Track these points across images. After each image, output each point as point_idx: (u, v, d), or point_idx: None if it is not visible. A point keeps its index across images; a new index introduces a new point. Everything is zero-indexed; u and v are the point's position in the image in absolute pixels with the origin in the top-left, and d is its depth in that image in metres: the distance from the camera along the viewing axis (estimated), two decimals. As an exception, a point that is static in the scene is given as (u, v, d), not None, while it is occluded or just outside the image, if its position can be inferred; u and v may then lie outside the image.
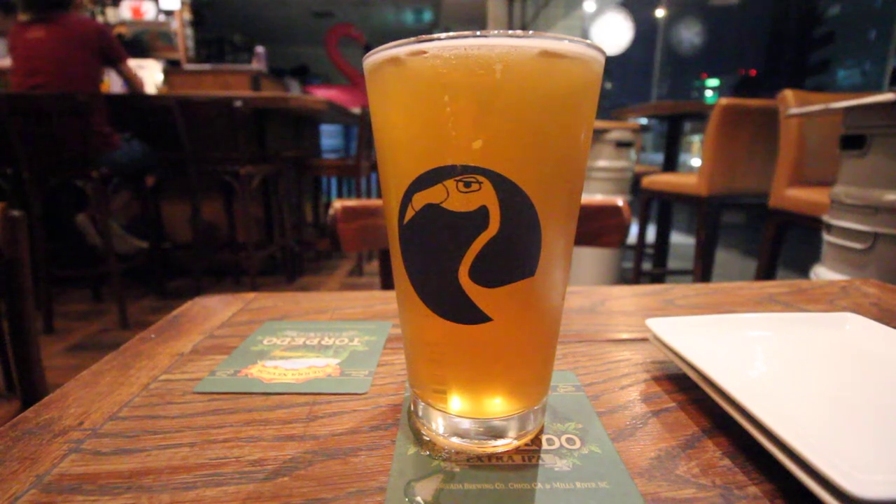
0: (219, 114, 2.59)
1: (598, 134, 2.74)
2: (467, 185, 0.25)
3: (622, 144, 2.76)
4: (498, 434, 0.30)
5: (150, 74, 3.55)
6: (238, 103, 2.55)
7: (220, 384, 0.38)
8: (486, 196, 0.25)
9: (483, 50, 0.23)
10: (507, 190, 0.25)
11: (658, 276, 3.07)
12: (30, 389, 0.79)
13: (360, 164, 3.42)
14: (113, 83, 3.22)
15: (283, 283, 3.33)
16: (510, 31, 0.23)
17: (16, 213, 0.70)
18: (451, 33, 0.24)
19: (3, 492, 0.26)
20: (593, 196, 2.72)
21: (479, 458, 0.29)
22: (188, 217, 3.01)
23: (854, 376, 0.36)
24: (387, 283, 0.90)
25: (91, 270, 2.83)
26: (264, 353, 0.44)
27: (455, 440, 0.30)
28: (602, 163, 2.79)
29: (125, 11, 5.14)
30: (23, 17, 2.45)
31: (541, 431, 0.32)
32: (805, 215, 1.67)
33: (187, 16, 5.43)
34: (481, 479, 0.27)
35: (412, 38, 0.24)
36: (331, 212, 0.82)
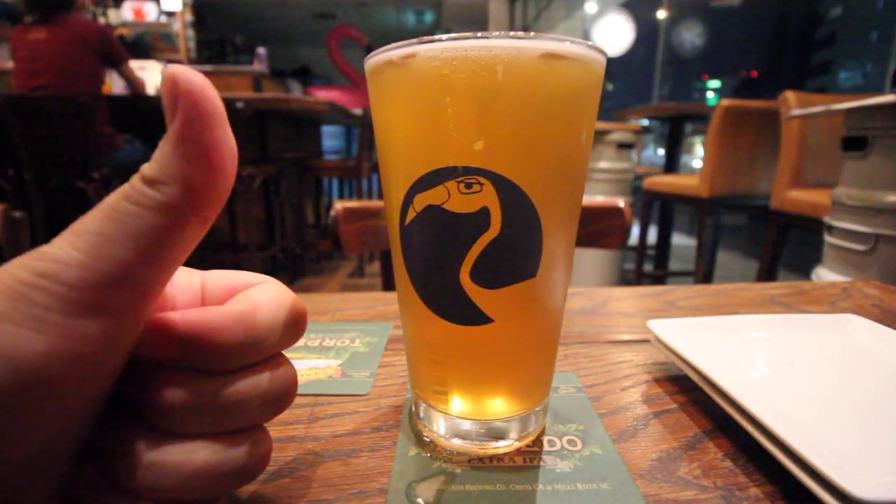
0: (220, 115, 2.59)
1: (600, 135, 2.74)
2: (468, 186, 0.25)
3: (623, 146, 2.76)
4: (499, 435, 0.30)
5: (152, 76, 3.55)
6: (239, 104, 2.55)
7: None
8: (487, 197, 0.25)
9: (484, 51, 0.23)
10: (509, 191, 0.25)
11: (659, 278, 3.07)
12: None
13: (361, 166, 3.42)
14: (115, 84, 3.24)
15: (285, 284, 3.32)
16: (511, 33, 0.23)
17: (18, 214, 0.70)
18: (452, 34, 0.24)
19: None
20: (594, 197, 2.72)
21: (481, 459, 0.29)
22: (189, 218, 3.01)
23: (855, 378, 0.36)
24: (388, 285, 0.90)
25: (92, 271, 2.83)
26: (265, 353, 0.44)
27: (456, 441, 0.30)
28: (603, 164, 2.79)
29: (127, 13, 5.16)
30: (25, 18, 2.46)
31: (542, 433, 0.32)
32: (806, 217, 1.66)
33: (189, 17, 5.45)
34: (482, 481, 0.27)
35: (414, 40, 0.24)
36: (332, 213, 0.82)
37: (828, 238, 1.35)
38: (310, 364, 0.42)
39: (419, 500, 0.26)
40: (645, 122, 3.42)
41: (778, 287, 0.66)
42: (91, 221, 0.17)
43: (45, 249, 0.16)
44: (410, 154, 0.27)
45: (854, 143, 1.26)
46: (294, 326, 0.23)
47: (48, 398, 0.16)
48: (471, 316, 0.27)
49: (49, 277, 0.16)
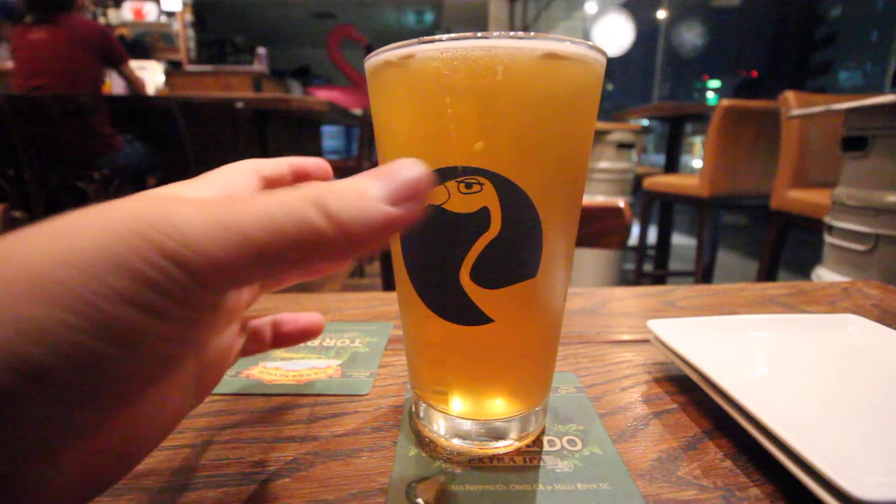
0: (220, 115, 2.59)
1: (600, 135, 2.74)
2: (468, 186, 0.25)
3: (623, 146, 2.76)
4: (499, 435, 0.30)
5: (152, 76, 3.55)
6: (239, 104, 2.55)
7: (221, 385, 0.38)
8: (487, 197, 0.25)
9: (484, 51, 0.23)
10: (509, 191, 0.25)
11: (659, 278, 3.07)
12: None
13: (361, 166, 3.42)
14: (115, 84, 3.24)
15: (284, 283, 3.32)
16: (511, 33, 0.23)
17: (18, 214, 0.70)
18: (452, 34, 0.24)
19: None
20: (595, 197, 2.72)
21: (481, 459, 0.29)
22: (189, 218, 3.00)
23: (855, 378, 0.36)
24: (388, 285, 0.90)
25: (92, 271, 2.83)
26: (266, 354, 0.44)
27: (456, 441, 0.30)
28: (603, 164, 2.79)
29: (127, 13, 5.16)
30: (25, 18, 2.46)
31: (542, 433, 0.32)
32: (806, 217, 1.66)
33: (189, 17, 5.45)
34: (482, 481, 0.27)
35: (414, 40, 0.24)
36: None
37: (828, 238, 1.35)
38: (310, 364, 0.42)
39: (419, 500, 0.26)
40: (645, 122, 3.42)
41: (778, 287, 0.66)
42: (249, 221, 0.15)
43: (177, 221, 0.15)
44: (410, 154, 0.27)
45: (854, 143, 1.26)
46: None
47: (165, 372, 0.17)
48: (471, 316, 0.27)
49: (177, 262, 0.15)
